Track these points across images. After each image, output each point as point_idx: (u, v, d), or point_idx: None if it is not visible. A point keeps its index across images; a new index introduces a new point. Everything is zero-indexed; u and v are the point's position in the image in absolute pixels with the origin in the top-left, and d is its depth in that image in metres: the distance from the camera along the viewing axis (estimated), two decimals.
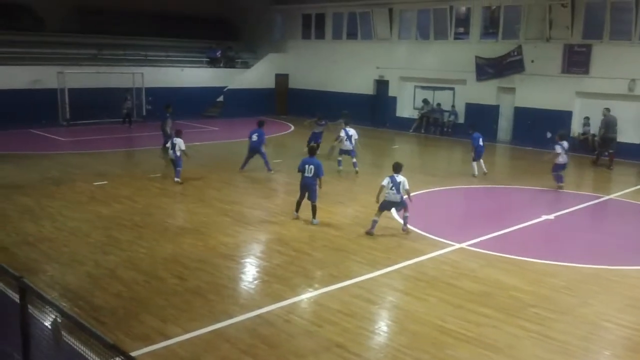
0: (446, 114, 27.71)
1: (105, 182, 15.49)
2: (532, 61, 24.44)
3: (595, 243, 11.87)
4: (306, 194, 12.45)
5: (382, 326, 7.92)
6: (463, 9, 27.49)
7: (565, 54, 23.61)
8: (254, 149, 17.19)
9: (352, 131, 17.76)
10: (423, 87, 28.82)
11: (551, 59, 23.91)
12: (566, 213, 13.87)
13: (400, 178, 11.78)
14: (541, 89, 24.17)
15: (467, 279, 9.40)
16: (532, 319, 8.00)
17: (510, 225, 12.54)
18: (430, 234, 11.73)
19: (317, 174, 12.31)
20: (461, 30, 27.74)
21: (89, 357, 4.49)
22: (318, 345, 7.08)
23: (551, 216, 13.37)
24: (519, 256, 10.54)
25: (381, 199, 11.88)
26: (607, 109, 21.51)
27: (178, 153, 15.85)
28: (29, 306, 5.09)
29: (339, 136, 17.93)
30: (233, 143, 22.30)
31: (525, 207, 14.51)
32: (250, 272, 9.78)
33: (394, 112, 29.80)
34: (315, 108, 30.85)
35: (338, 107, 30.42)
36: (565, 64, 23.68)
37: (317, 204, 12.51)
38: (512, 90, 25.40)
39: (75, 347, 4.67)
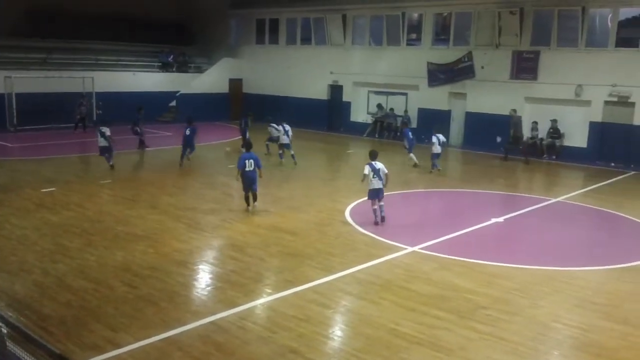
0: (399, 119, 28.07)
1: (54, 189, 15.09)
2: (482, 67, 24.99)
3: (545, 245, 12.15)
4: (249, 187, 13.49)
5: (337, 331, 7.94)
6: (415, 15, 27.94)
7: (514, 60, 24.24)
8: (188, 143, 19.14)
9: (287, 127, 19.86)
10: (376, 93, 29.14)
11: (501, 65, 24.51)
12: (515, 216, 14.19)
13: (378, 165, 12.70)
14: (491, 95, 24.71)
15: (420, 282, 9.51)
16: (484, 320, 8.13)
17: (462, 228, 12.76)
18: (383, 237, 11.83)
19: (258, 165, 13.44)
20: (413, 36, 28.17)
21: None
22: (272, 352, 7.06)
23: (500, 219, 13.65)
24: (470, 259, 10.71)
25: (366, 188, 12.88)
26: (514, 110, 22.95)
27: (108, 138, 17.59)
28: None
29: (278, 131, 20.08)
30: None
31: (475, 211, 14.80)
32: (203, 278, 9.68)
33: (348, 117, 30.04)
34: (270, 113, 30.98)
35: (293, 111, 30.63)
36: (514, 70, 24.30)
37: (272, 209, 13.16)
38: (463, 95, 25.94)
39: (21, 358, 4.55)
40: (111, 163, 17.83)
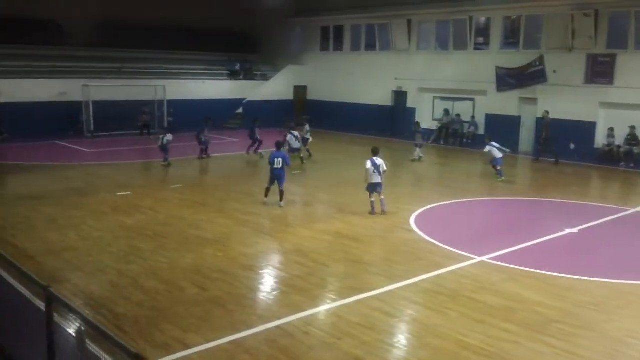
0: (466, 125, 27.59)
1: (129, 193, 15.69)
2: (555, 71, 24.25)
3: (621, 257, 11.59)
4: (276, 182, 14.53)
5: (402, 340, 7.86)
6: (483, 19, 27.44)
7: (589, 64, 23.40)
8: (252, 137, 22.15)
9: (296, 133, 21.13)
10: (442, 98, 28.75)
11: (574, 69, 23.71)
12: (590, 226, 13.60)
13: (379, 161, 13.82)
14: (564, 100, 23.84)
15: (488, 293, 9.29)
16: (556, 334, 7.85)
17: (533, 238, 12.37)
18: (449, 246, 11.63)
19: (286, 163, 14.64)
20: (481, 40, 27.68)
21: None
22: (337, 358, 7.07)
23: (575, 229, 13.13)
24: (541, 270, 10.36)
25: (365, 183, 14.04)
26: (547, 112, 22.98)
27: (165, 142, 19.76)
28: (54, 314, 5.18)
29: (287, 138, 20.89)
30: (252, 154, 22.43)
31: (547, 220, 14.31)
32: (269, 282, 9.82)
33: (412, 124, 29.70)
34: (334, 119, 31.16)
35: (356, 118, 30.70)
36: (589, 74, 23.45)
37: (336, 215, 13.32)
38: (534, 100, 25.21)
39: (98, 355, 4.75)
40: (164, 163, 19.80)
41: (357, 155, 21.91)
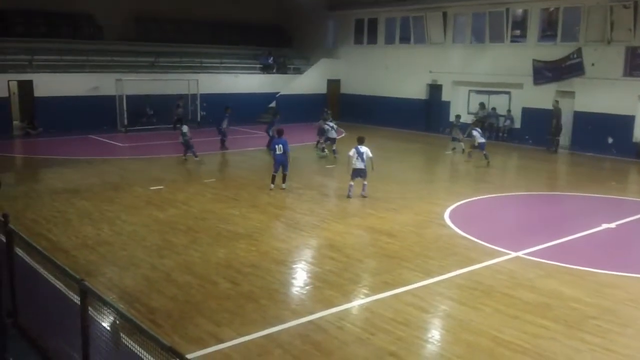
0: (502, 119, 27.13)
1: (162, 187, 15.82)
2: (593, 64, 23.65)
3: None
4: (281, 168, 15.35)
5: (436, 335, 7.77)
6: (520, 11, 26.89)
7: (628, 56, 22.74)
8: (270, 126, 22.06)
9: (332, 124, 21.64)
10: (478, 92, 28.32)
11: (613, 61, 23.07)
12: (628, 221, 13.29)
13: (363, 149, 14.65)
14: (602, 93, 23.29)
15: (524, 289, 9.13)
16: (593, 331, 7.71)
17: (569, 234, 12.12)
18: (485, 241, 11.46)
19: (286, 149, 15.23)
20: (518, 33, 27.12)
21: (145, 359, 4.58)
22: (371, 354, 7.01)
23: (612, 225, 12.85)
24: (578, 266, 10.18)
25: (350, 170, 14.91)
26: (557, 101, 23.82)
27: (187, 137, 19.42)
28: (89, 308, 5.22)
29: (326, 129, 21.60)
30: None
31: (584, 215, 14.01)
32: (302, 277, 9.78)
33: (447, 117, 29.31)
34: (368, 113, 30.94)
35: (390, 112, 30.45)
36: (628, 67, 22.80)
37: (369, 210, 13.32)
38: (571, 94, 24.63)
39: (132, 348, 4.77)
40: (196, 158, 19.65)
41: (391, 149, 21.85)
